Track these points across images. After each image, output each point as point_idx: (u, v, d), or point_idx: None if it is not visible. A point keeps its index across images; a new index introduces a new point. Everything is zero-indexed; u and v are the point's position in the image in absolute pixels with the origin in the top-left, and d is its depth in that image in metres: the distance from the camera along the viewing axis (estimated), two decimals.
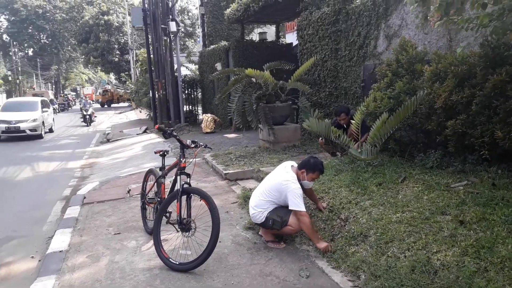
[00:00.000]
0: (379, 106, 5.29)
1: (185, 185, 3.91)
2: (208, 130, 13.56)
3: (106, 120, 27.06)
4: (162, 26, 15.72)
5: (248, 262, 3.76)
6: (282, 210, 3.97)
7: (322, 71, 8.40)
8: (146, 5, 15.96)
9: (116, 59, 42.32)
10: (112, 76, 51.23)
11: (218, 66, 14.55)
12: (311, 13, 8.51)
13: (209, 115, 14.06)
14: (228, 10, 13.22)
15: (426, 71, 4.93)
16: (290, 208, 3.90)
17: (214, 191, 6.24)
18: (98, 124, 24.11)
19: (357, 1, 7.43)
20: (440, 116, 4.63)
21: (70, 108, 47.40)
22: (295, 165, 4.23)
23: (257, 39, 15.16)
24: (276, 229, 3.98)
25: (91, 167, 10.58)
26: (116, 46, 42.13)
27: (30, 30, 62.90)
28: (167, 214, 3.98)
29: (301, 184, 4.10)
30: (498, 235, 3.03)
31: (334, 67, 8.04)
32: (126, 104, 44.09)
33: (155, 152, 4.61)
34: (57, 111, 39.91)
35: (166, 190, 4.53)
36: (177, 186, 3.93)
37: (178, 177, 3.98)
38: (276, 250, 3.99)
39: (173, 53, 16.62)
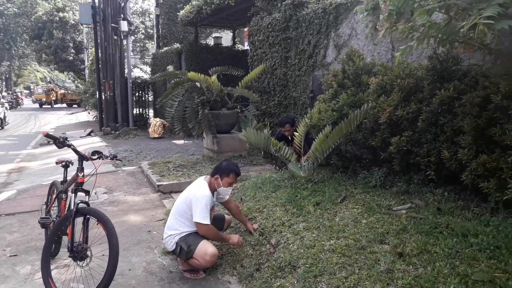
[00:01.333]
0: (322, 118, 4.89)
1: (82, 205, 3.28)
2: (156, 135, 12.86)
3: (54, 120, 25.61)
4: (113, 25, 14.92)
5: None
6: (194, 237, 3.45)
7: (272, 79, 7.98)
8: (96, 2, 15.09)
9: (71, 58, 40.42)
10: (64, 76, 48.81)
11: (170, 68, 13.91)
12: (262, 19, 8.11)
13: (158, 119, 13.36)
14: (182, 12, 12.66)
15: (372, 83, 4.57)
16: (193, 220, 3.39)
17: (142, 206, 5.62)
18: (44, 125, 22.72)
19: (308, 9, 7.08)
20: (385, 132, 4.27)
21: (19, 106, 44.91)
22: (208, 176, 3.75)
23: (212, 43, 14.64)
24: (183, 259, 3.44)
25: (19, 172, 9.63)
26: (71, 44, 40.30)
27: None
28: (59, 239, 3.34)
29: (217, 194, 3.66)
30: (440, 272, 2.63)
31: (284, 76, 7.64)
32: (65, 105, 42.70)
33: (56, 163, 3.95)
34: (7, 108, 37.65)
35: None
36: (71, 206, 3.29)
37: (73, 194, 3.35)
38: (192, 282, 3.44)
39: (124, 53, 15.80)
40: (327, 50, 6.55)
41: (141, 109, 16.99)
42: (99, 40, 15.27)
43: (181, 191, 6.13)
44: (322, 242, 3.32)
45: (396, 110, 4.09)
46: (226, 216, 3.98)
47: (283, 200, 4.29)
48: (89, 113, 21.78)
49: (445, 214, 3.46)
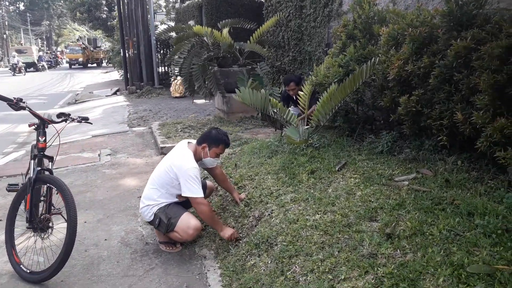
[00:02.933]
0: (328, 75, 4.38)
1: (44, 172, 3.03)
2: (177, 95, 12.60)
3: (88, 79, 25.97)
4: None
5: (121, 273, 2.96)
6: (174, 209, 3.14)
7: (286, 32, 7.38)
8: None
9: (104, 16, 40.43)
10: (99, 34, 48.82)
11: (191, 23, 13.39)
12: None
13: (179, 78, 13.02)
14: None
15: (382, 33, 3.98)
16: (183, 194, 3.08)
17: (142, 169, 5.41)
18: (77, 84, 23.07)
19: None
20: (394, 90, 3.74)
21: (58, 66, 45.96)
22: (193, 141, 3.39)
23: None
24: (162, 232, 3.16)
25: None
26: (104, 1, 40.18)
27: None
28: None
29: (202, 164, 3.30)
30: (430, 260, 2.21)
31: (299, 28, 7.02)
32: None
33: (29, 125, 3.68)
34: (45, 68, 38.58)
35: None
36: (30, 173, 3.04)
37: (32, 161, 3.09)
38: (166, 256, 3.19)
39: (147, 8, 15.38)
40: None
41: (166, 67, 16.70)
42: None
43: None
44: (307, 217, 2.95)
45: (406, 64, 3.53)
46: (208, 183, 3.65)
47: (277, 167, 3.91)
48: (118, 71, 21.77)
49: (454, 187, 2.98)
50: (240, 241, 3.10)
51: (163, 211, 3.10)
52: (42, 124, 3.13)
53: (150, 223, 3.24)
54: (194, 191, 3.02)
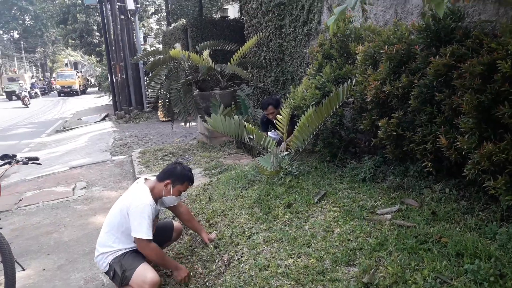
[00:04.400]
0: (305, 97, 4.11)
1: None
2: (165, 119, 12.31)
3: (81, 105, 25.80)
4: (119, 3, 14.38)
5: None
6: (130, 259, 2.80)
7: (267, 53, 7.15)
8: None
9: (96, 41, 40.52)
10: (91, 59, 48.77)
11: (178, 46, 13.23)
12: None
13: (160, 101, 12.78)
14: None
15: (359, 52, 3.72)
16: (132, 235, 2.75)
17: None
18: (68, 110, 22.87)
19: None
20: (373, 113, 3.46)
21: (52, 92, 45.83)
22: (152, 178, 3.09)
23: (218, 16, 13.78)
24: (117, 285, 2.83)
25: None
26: (95, 27, 40.32)
27: (13, 12, 60.91)
28: None
29: (161, 203, 3.04)
30: None
31: (279, 48, 6.79)
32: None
33: None
34: (38, 95, 38.42)
35: None
36: None
37: None
38: None
39: (133, 33, 15.27)
40: (322, 15, 5.65)
41: (148, 90, 16.46)
42: (106, 21, 14.79)
43: None
44: (279, 261, 2.63)
45: (383, 85, 3.26)
46: (176, 224, 3.33)
47: (252, 200, 3.60)
48: (108, 96, 21.57)
49: (441, 220, 2.68)
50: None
51: (118, 261, 2.77)
52: None
53: (106, 273, 2.91)
54: (141, 231, 2.70)
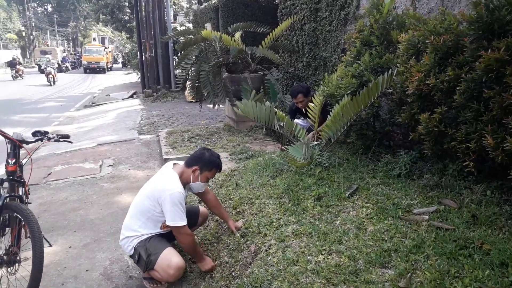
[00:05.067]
0: (340, 86, 3.95)
1: (11, 200, 2.71)
2: (192, 100, 12.28)
3: (109, 80, 26.11)
4: None
5: None
6: (155, 243, 2.77)
7: (300, 37, 6.96)
8: None
9: (126, 17, 40.75)
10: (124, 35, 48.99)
11: (208, 26, 13.13)
12: None
13: (188, 83, 12.73)
14: None
15: (401, 40, 3.53)
16: (166, 223, 2.71)
17: (142, 183, 5.01)
18: (96, 85, 23.18)
19: None
20: (413, 106, 3.28)
21: (82, 67, 46.59)
22: (180, 163, 3.02)
23: None
24: (141, 269, 2.80)
25: None
26: (126, 4, 40.49)
27: None
28: None
29: (189, 188, 2.99)
30: None
31: (313, 32, 6.58)
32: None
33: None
34: (68, 69, 39.13)
35: None
36: None
37: (0, 186, 2.76)
38: None
39: (165, 11, 15.18)
40: (361, 0, 5.42)
41: (178, 70, 16.45)
42: None
43: None
44: (309, 257, 2.54)
45: (427, 77, 3.08)
46: (202, 209, 3.28)
47: (281, 189, 3.51)
48: (137, 74, 21.72)
49: (482, 224, 2.53)
50: (232, 282, 2.71)
51: (143, 245, 2.74)
52: (11, 145, 2.81)
53: (131, 257, 2.89)
54: (177, 219, 2.66)
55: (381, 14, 3.85)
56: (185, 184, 2.89)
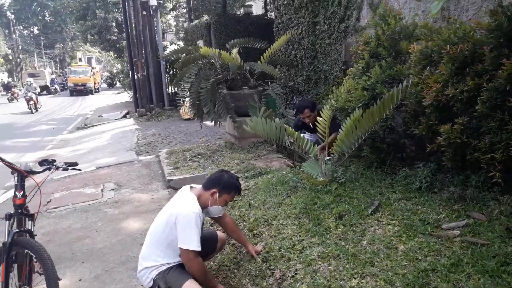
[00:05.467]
0: (350, 99, 3.87)
1: (19, 236, 2.55)
2: (187, 117, 12.19)
3: (100, 101, 25.90)
4: None
5: None
6: (176, 275, 2.60)
7: (299, 51, 6.92)
8: None
9: (114, 38, 40.74)
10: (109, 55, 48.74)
11: (200, 43, 13.10)
12: None
13: (187, 100, 12.64)
14: None
15: (413, 51, 3.47)
16: (178, 245, 2.56)
17: (147, 207, 4.93)
18: (87, 107, 22.94)
19: None
20: (431, 117, 3.21)
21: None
22: (197, 186, 2.89)
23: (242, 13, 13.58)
24: None
25: None
26: (114, 24, 40.54)
27: (33, 7, 61.86)
28: None
29: (207, 212, 2.87)
30: None
31: (312, 45, 6.55)
32: None
33: (12, 173, 3.13)
34: (57, 91, 38.79)
35: None
36: (5, 237, 2.55)
37: (7, 222, 2.60)
38: None
39: (155, 29, 15.14)
40: (361, 11, 5.39)
41: (176, 88, 16.34)
42: (128, 17, 14.70)
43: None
44: (341, 282, 2.41)
45: (445, 87, 3.01)
46: (219, 234, 3.13)
47: (298, 209, 3.38)
48: (128, 93, 21.58)
49: None
50: None
51: (163, 277, 2.59)
52: (19, 177, 2.66)
53: None
54: (189, 242, 2.51)
55: (389, 25, 3.79)
56: (203, 208, 2.76)
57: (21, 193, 2.62)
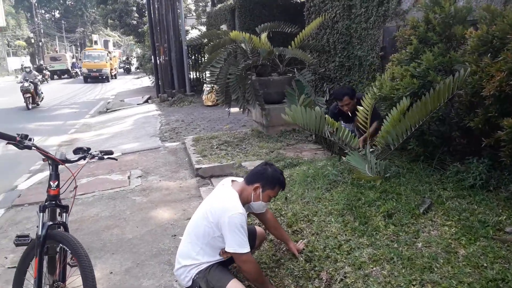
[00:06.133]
0: (397, 87, 3.60)
1: (53, 229, 2.40)
2: (210, 103, 12.02)
3: (120, 85, 25.93)
4: None
5: None
6: (218, 274, 2.42)
7: (331, 35, 6.62)
8: None
9: (135, 22, 40.66)
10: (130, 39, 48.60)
11: (224, 27, 12.86)
12: None
13: (215, 87, 12.43)
14: None
15: (471, 37, 3.17)
16: (226, 249, 2.38)
17: (176, 195, 4.79)
18: (109, 91, 22.99)
19: None
20: (490, 109, 2.93)
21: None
22: (239, 180, 2.69)
23: None
24: None
25: (70, 145, 9.30)
26: (134, 8, 40.44)
27: None
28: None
29: (248, 208, 2.65)
30: None
31: (347, 30, 6.24)
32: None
33: (43, 160, 2.93)
34: (78, 74, 39.06)
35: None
36: (39, 230, 2.39)
37: (41, 213, 2.44)
38: None
39: (178, 13, 14.91)
40: None
41: (198, 73, 16.18)
42: (151, 0, 14.51)
43: (223, 175, 5.33)
44: None
45: (510, 77, 2.73)
46: (258, 229, 2.93)
47: (341, 205, 3.17)
48: (149, 78, 21.48)
49: None
50: None
51: (203, 276, 2.41)
52: (53, 166, 2.51)
53: None
54: (238, 245, 2.33)
55: (443, 8, 3.49)
56: (245, 203, 2.57)
57: (56, 183, 2.47)
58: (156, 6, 14.23)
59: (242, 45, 6.13)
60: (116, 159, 3.09)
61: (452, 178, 3.25)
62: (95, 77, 29.23)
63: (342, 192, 3.38)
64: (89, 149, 2.71)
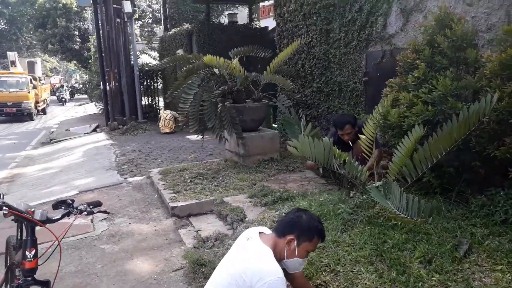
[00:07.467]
0: (406, 115, 3.32)
1: None
2: (167, 131, 11.40)
3: (61, 113, 24.40)
4: (115, 6, 13.35)
5: None
6: None
7: (307, 60, 6.38)
8: None
9: (77, 47, 39.05)
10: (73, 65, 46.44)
11: (180, 52, 12.36)
12: None
13: (168, 111, 11.85)
14: None
15: (490, 61, 2.97)
16: None
17: (152, 241, 4.16)
18: (50, 119, 21.47)
19: None
20: None
21: None
22: (266, 231, 2.21)
23: (227, 21, 13.00)
24: None
25: (11, 182, 8.29)
26: (76, 32, 38.90)
27: None
28: None
29: (281, 265, 2.12)
30: None
31: (325, 55, 6.02)
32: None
33: (5, 216, 2.32)
34: None
35: None
36: None
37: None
38: None
39: (129, 38, 14.25)
40: (389, 18, 4.91)
41: (150, 99, 15.48)
42: (100, 24, 13.76)
43: (202, 213, 4.78)
44: None
45: None
46: None
47: (367, 250, 2.76)
48: (95, 105, 20.34)
49: None
50: None
51: None
52: (30, 229, 1.90)
53: None
54: None
55: (454, 31, 3.28)
56: (279, 261, 2.08)
57: (33, 252, 1.88)
58: (106, 29, 13.50)
59: (216, 70, 5.70)
60: (108, 213, 2.50)
61: (478, 213, 2.98)
62: (10, 114, 20.22)
63: (361, 233, 2.98)
64: (72, 201, 2.12)
